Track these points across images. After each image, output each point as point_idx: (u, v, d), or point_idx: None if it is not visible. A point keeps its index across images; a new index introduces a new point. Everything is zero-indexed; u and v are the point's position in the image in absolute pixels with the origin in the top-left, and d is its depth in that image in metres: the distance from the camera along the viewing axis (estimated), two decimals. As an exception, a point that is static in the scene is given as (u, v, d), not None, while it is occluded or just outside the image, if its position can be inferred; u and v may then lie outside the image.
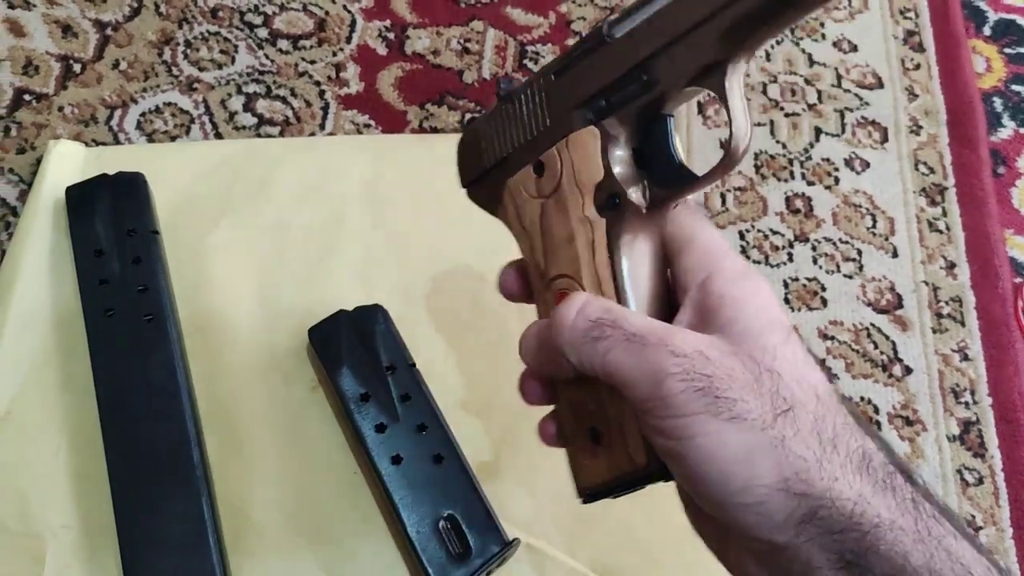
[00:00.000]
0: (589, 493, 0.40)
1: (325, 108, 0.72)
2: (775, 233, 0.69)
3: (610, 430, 0.38)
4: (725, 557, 0.37)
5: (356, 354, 0.56)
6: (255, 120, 0.71)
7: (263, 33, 0.74)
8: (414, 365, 0.57)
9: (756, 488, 0.32)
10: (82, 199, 0.61)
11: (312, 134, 0.71)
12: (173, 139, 0.69)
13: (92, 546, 0.53)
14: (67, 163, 0.65)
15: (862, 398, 0.63)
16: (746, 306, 0.35)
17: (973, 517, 0.59)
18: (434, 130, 0.72)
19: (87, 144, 0.67)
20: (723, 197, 0.71)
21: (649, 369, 0.33)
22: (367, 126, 0.71)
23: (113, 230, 0.60)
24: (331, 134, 0.71)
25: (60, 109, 0.69)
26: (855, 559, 0.31)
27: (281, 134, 0.70)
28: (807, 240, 0.69)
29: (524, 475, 0.57)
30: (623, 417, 0.37)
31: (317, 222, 0.64)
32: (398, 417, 0.54)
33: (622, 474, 0.38)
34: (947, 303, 0.67)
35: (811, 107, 0.75)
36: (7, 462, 0.54)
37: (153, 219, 0.62)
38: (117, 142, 0.69)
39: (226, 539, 0.53)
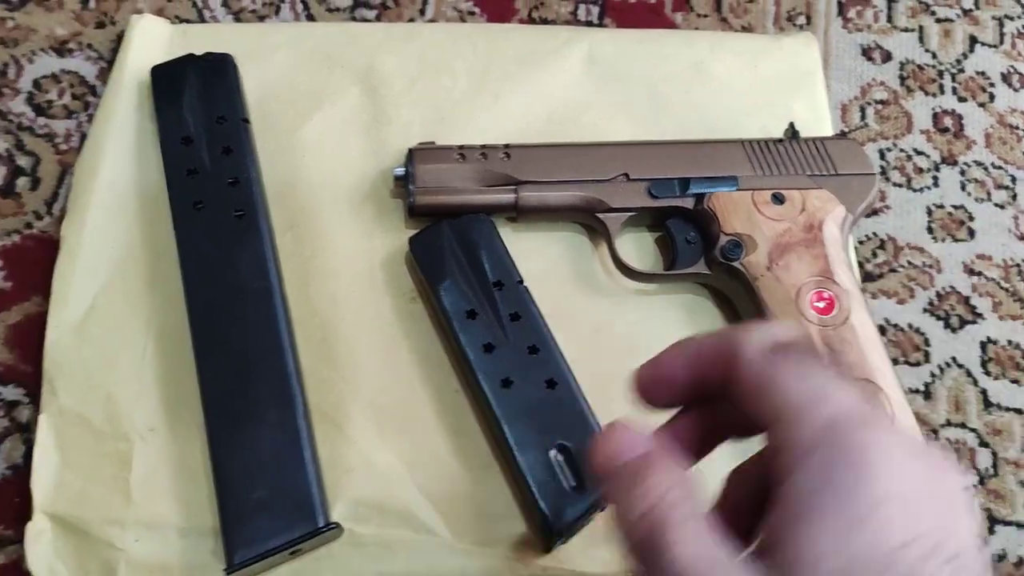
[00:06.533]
0: None
1: (426, -9, 0.65)
2: (919, 154, 0.62)
3: None
4: None
5: (461, 267, 0.52)
6: (350, 1, 0.65)
7: (359, -96, 0.67)
8: (522, 282, 0.52)
9: None
10: (168, 80, 0.56)
11: (411, 20, 0.64)
12: (261, 19, 0.64)
13: (181, 452, 0.50)
14: (151, 40, 0.60)
15: (1009, 342, 0.57)
16: None
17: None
18: (544, 21, 0.65)
19: (171, 21, 0.62)
20: (863, 111, 0.63)
21: None
22: (471, 13, 0.65)
23: (202, 116, 0.55)
24: (432, 20, 0.64)
25: (142, -19, 0.64)
26: None
27: (378, 18, 0.64)
28: (955, 163, 0.62)
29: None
30: None
31: (417, 119, 0.59)
32: (507, 337, 0.50)
33: None
34: (1109, 242, 0.60)
35: (966, 13, 0.67)
36: (92, 358, 0.51)
37: (244, 106, 0.57)
38: (202, 20, 0.63)
39: (320, 453, 0.50)
